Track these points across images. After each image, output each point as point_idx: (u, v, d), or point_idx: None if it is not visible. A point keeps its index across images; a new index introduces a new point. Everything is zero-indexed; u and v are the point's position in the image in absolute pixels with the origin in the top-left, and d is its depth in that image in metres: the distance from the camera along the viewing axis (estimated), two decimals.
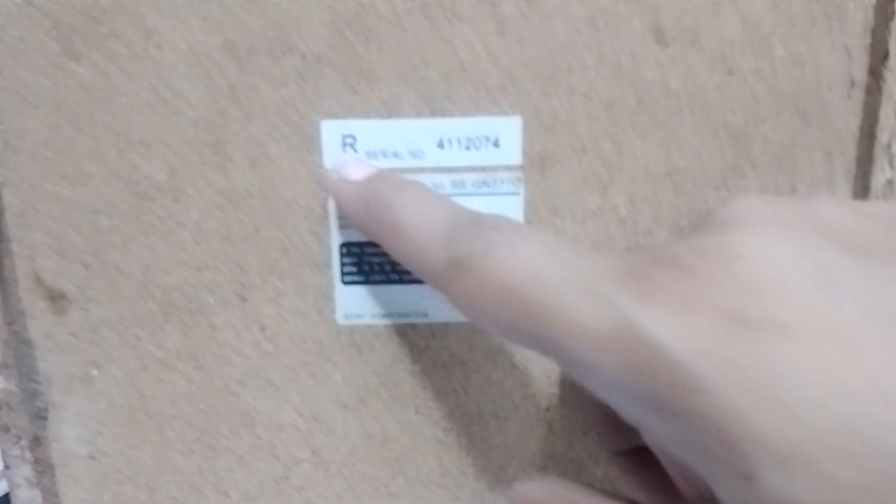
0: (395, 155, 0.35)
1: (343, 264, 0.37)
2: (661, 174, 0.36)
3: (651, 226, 0.36)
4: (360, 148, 0.35)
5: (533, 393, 0.39)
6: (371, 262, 0.37)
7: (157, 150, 0.35)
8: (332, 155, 0.35)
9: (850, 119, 0.35)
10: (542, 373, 0.39)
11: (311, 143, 0.35)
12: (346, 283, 0.37)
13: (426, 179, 0.36)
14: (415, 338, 0.38)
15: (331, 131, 0.35)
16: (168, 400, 0.39)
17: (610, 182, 0.36)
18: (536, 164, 0.36)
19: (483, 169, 0.36)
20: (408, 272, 0.37)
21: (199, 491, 0.41)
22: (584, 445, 0.40)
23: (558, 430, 0.40)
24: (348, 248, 0.37)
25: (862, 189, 0.36)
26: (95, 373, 0.38)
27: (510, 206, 0.36)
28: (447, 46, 0.34)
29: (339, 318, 0.38)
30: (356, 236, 0.37)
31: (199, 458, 0.40)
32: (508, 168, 0.36)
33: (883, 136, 0.34)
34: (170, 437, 0.40)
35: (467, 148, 0.35)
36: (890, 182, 0.35)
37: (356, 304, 0.38)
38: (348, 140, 0.35)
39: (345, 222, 0.36)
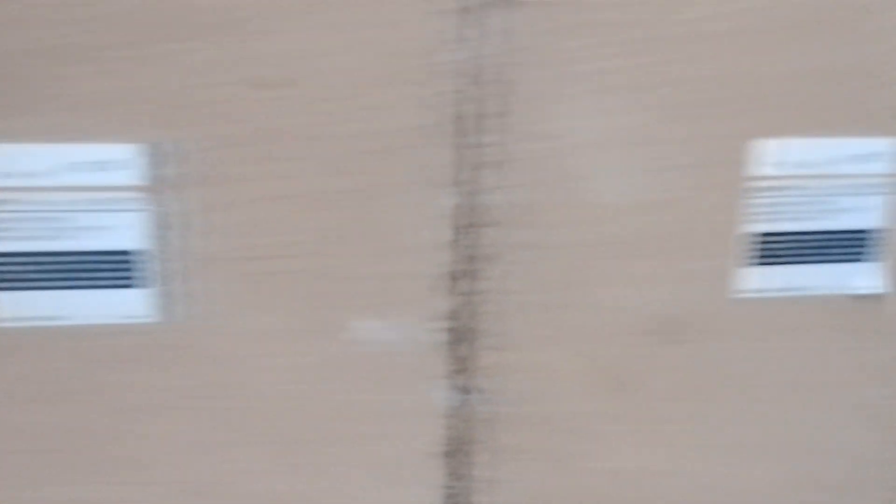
0: (31, 175, 0.39)
1: None
2: (270, 198, 0.42)
3: (266, 241, 0.43)
4: None
5: (174, 388, 0.45)
6: (10, 271, 0.41)
7: None
8: None
9: (421, 156, 0.42)
10: (189, 370, 0.44)
11: None
12: None
13: (60, 197, 0.40)
14: (57, 339, 0.42)
15: None
16: None
17: (229, 203, 0.42)
18: (159, 186, 0.41)
19: (110, 188, 0.41)
20: (47, 279, 0.41)
21: None
22: (227, 432, 0.46)
23: (204, 421, 0.45)
24: None
25: (441, 211, 0.43)
26: None
27: (137, 221, 0.41)
28: (74, 82, 0.38)
29: None
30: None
31: None
32: (133, 188, 0.41)
33: (438, 171, 0.42)
34: None
35: (97, 170, 0.40)
36: (458, 206, 0.43)
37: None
38: None
39: None
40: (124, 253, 0.42)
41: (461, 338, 0.46)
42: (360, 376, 0.46)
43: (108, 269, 0.42)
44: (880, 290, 0.48)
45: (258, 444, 0.46)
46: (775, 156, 0.45)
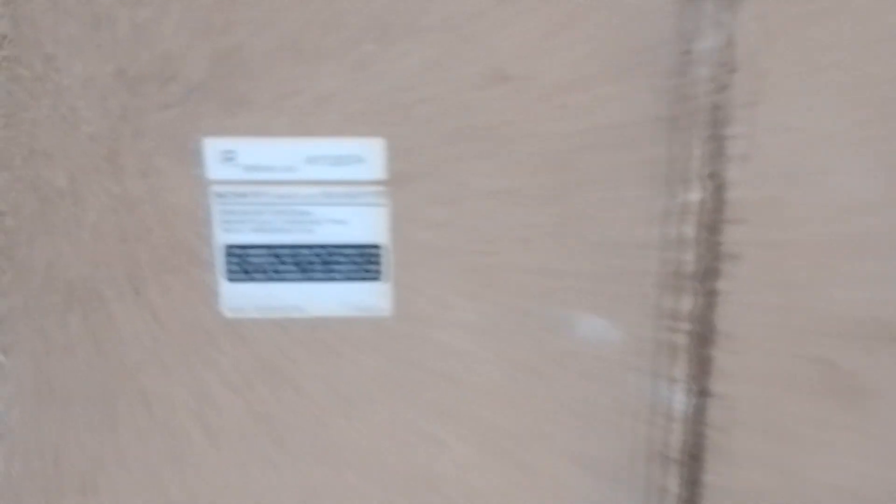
0: (271, 169, 0.40)
1: (227, 264, 0.42)
2: (503, 191, 0.41)
3: (496, 235, 0.42)
4: (240, 162, 0.40)
5: (401, 379, 0.45)
6: (252, 262, 0.42)
7: (57, 160, 0.40)
8: (214, 168, 0.40)
9: (664, 147, 0.40)
10: (412, 361, 0.44)
11: (194, 156, 0.40)
12: (230, 280, 0.42)
13: (299, 191, 0.41)
14: (294, 329, 0.44)
15: (212, 147, 0.40)
16: (71, 382, 0.44)
17: (460, 197, 0.41)
18: (397, 180, 0.41)
19: (350, 183, 0.41)
20: (289, 271, 0.42)
21: (101, 465, 0.45)
22: (446, 425, 0.46)
23: (424, 411, 0.45)
24: (232, 250, 0.42)
25: (678, 206, 0.41)
26: (2, 358, 0.43)
27: (374, 215, 0.42)
28: (315, 79, 0.39)
29: (225, 312, 0.43)
30: (238, 238, 0.42)
31: (100, 435, 0.45)
32: (373, 182, 0.41)
33: (690, 163, 0.40)
34: (73, 416, 0.44)
35: (335, 164, 0.41)
36: (700, 201, 0.41)
37: (240, 299, 0.43)
38: (228, 155, 0.40)
39: (227, 226, 0.41)
40: (360, 246, 0.42)
41: (693, 339, 0.43)
42: (577, 374, 0.45)
43: (345, 262, 0.42)
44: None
45: (468, 437, 0.46)
46: None
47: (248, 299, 0.43)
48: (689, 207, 0.41)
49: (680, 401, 0.44)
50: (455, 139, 0.40)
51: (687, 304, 0.43)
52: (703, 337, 0.44)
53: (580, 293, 0.43)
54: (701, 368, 0.45)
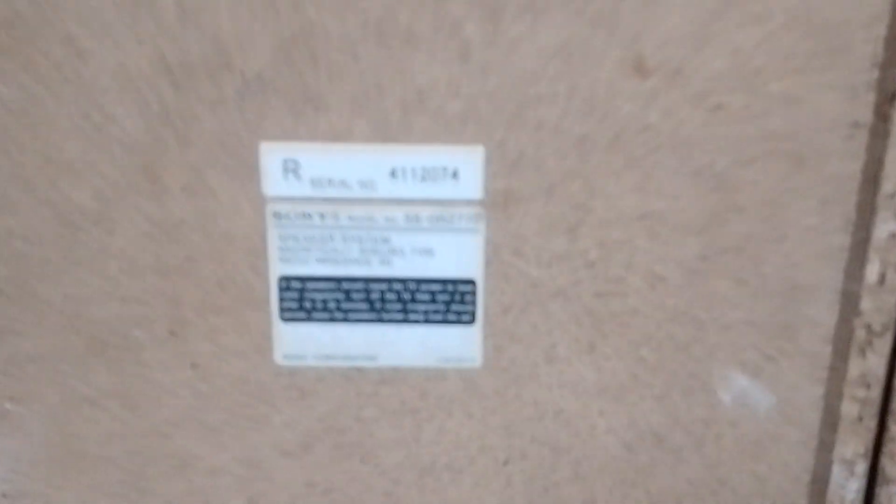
0: (343, 184, 0.32)
1: (282, 299, 0.34)
2: (635, 217, 0.32)
3: (622, 272, 0.33)
4: (304, 175, 0.32)
5: (490, 445, 0.36)
6: (314, 299, 0.34)
7: (85, 176, 0.32)
8: (273, 181, 0.32)
9: (851, 163, 0.31)
10: (501, 424, 0.36)
11: (251, 170, 0.32)
12: (285, 319, 0.34)
13: (377, 212, 0.33)
14: (362, 382, 0.35)
15: (271, 155, 0.32)
16: (94, 439, 0.36)
17: (579, 223, 0.33)
18: (499, 201, 0.33)
19: (440, 203, 0.33)
20: (355, 311, 0.34)
21: None
22: (544, 501, 0.37)
23: (517, 485, 0.37)
24: (288, 282, 0.33)
25: (863, 240, 0.32)
26: (9, 406, 0.35)
27: (469, 244, 0.33)
28: (403, 72, 0.31)
29: (279, 359, 0.35)
30: (298, 269, 0.33)
31: (126, 502, 0.37)
32: (468, 203, 0.33)
33: (888, 185, 0.30)
34: (95, 479, 0.37)
35: (423, 179, 0.32)
36: (894, 235, 0.31)
37: (297, 343, 0.34)
38: (290, 165, 0.32)
39: (286, 254, 0.33)
40: (448, 282, 0.34)
41: (868, 408, 0.34)
42: (718, 448, 0.36)
43: (429, 300, 0.34)
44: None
45: None
46: None
47: (307, 344, 0.35)
48: (877, 242, 0.32)
49: (847, 486, 0.35)
50: (576, 149, 0.31)
51: (864, 364, 0.33)
52: (881, 406, 0.35)
53: (727, 347, 0.35)
54: (875, 446, 0.35)
